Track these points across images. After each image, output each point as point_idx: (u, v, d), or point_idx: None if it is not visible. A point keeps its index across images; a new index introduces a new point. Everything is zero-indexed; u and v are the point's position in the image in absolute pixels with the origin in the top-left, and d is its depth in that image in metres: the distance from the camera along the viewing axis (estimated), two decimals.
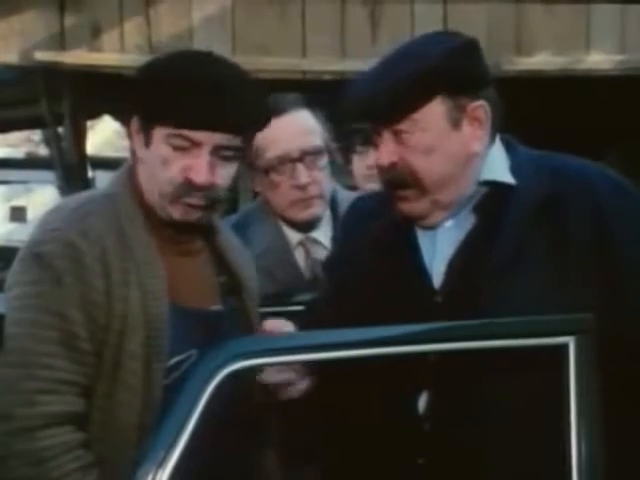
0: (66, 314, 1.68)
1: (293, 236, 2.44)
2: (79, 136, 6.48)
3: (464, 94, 1.72)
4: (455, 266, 1.77)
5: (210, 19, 5.13)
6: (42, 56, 5.16)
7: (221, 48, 4.49)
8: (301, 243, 2.44)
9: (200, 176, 1.73)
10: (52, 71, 5.43)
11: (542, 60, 5.30)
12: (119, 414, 1.71)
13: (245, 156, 1.88)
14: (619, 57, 5.33)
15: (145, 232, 1.79)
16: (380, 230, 1.85)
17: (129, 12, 5.15)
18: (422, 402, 1.76)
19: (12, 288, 1.74)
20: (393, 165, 1.75)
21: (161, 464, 1.41)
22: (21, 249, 1.77)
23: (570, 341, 1.55)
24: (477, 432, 1.69)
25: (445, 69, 1.69)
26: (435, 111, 1.71)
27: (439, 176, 1.74)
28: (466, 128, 1.74)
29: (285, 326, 1.89)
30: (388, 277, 1.80)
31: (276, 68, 4.99)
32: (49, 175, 8.37)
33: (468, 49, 1.74)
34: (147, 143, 1.77)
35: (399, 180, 1.76)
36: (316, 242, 2.44)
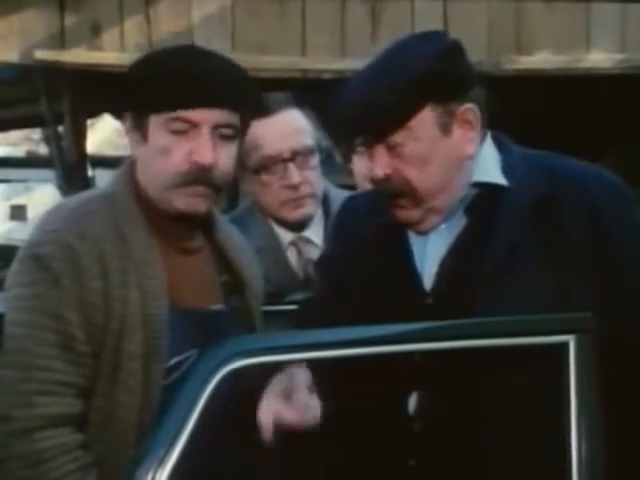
0: (63, 316, 1.68)
1: (285, 236, 2.43)
2: (79, 135, 6.47)
3: (453, 99, 1.72)
4: (446, 268, 1.76)
5: (210, 18, 5.13)
6: (42, 55, 5.16)
7: (221, 47, 4.49)
8: (293, 243, 2.43)
9: (205, 156, 1.73)
10: (52, 70, 5.43)
11: (542, 59, 5.30)
12: (118, 415, 1.71)
13: (242, 140, 1.88)
14: (619, 56, 5.34)
15: (145, 232, 1.78)
16: (372, 230, 1.85)
17: (129, 11, 5.16)
18: (421, 402, 1.75)
19: (11, 288, 1.74)
20: (388, 177, 1.75)
21: (161, 463, 1.41)
22: (20, 249, 1.77)
23: (570, 340, 1.55)
24: (476, 432, 1.68)
25: (432, 77, 1.68)
26: (426, 119, 1.70)
27: (434, 185, 1.74)
28: (457, 132, 1.73)
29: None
30: (379, 278, 1.80)
31: (276, 67, 5.00)
32: (49, 174, 8.38)
33: (452, 53, 1.73)
34: (144, 137, 1.77)
35: (394, 190, 1.76)
36: (308, 241, 2.43)
